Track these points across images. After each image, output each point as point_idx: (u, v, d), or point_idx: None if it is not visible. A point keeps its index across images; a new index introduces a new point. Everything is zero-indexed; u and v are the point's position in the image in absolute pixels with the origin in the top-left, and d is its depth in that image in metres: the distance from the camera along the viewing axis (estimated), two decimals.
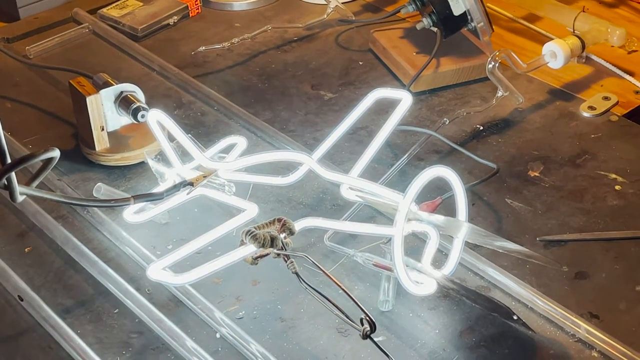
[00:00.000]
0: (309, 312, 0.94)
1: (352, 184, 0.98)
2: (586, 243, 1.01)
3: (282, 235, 0.91)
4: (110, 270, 0.98)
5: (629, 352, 0.86)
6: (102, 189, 1.09)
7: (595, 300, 0.94)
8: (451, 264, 0.91)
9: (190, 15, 1.49)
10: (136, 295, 0.95)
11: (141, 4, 1.49)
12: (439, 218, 0.89)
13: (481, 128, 1.20)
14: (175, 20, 1.47)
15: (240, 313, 0.94)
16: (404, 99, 1.07)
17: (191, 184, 1.00)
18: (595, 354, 0.88)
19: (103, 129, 1.14)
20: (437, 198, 0.99)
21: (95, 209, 1.07)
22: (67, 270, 1.00)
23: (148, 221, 1.05)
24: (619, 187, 1.09)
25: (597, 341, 0.88)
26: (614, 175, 1.11)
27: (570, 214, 1.05)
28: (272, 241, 0.90)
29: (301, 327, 0.93)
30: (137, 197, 0.96)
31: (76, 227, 1.06)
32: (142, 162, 1.14)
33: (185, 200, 1.05)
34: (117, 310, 0.95)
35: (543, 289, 0.94)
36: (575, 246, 1.01)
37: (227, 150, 1.13)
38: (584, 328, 0.89)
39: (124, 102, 1.13)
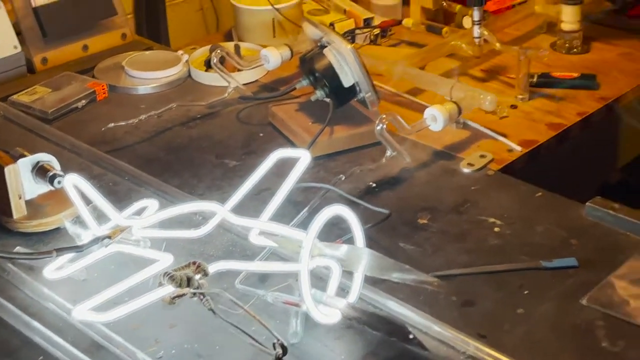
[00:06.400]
0: (225, 347, 1.02)
1: (262, 227, 1.08)
2: (472, 276, 1.12)
3: (198, 277, 1.00)
4: (34, 322, 1.03)
5: None
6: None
7: (482, 323, 1.05)
8: (354, 294, 1.01)
9: (98, 99, 1.58)
10: (59, 342, 1.01)
11: (50, 90, 1.58)
12: (341, 249, 0.99)
13: (374, 185, 1.31)
14: (84, 104, 1.55)
15: (160, 353, 1.01)
16: (303, 157, 1.18)
17: (109, 237, 1.08)
18: None
19: (21, 198, 1.20)
20: (337, 240, 1.09)
21: (16, 269, 1.12)
22: None
23: (67, 279, 1.11)
24: (497, 229, 1.21)
25: (485, 356, 0.99)
26: (492, 220, 1.23)
27: (457, 253, 1.17)
28: (189, 281, 0.98)
29: None
30: (59, 250, 1.04)
31: None
32: (59, 228, 1.21)
33: (102, 257, 1.12)
34: (41, 357, 1.01)
35: (436, 316, 1.04)
36: (462, 279, 1.12)
37: (140, 212, 1.21)
38: (473, 346, 1.00)
39: (41, 170, 1.20)
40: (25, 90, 1.58)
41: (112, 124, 1.45)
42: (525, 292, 1.09)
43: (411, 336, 0.98)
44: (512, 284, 1.11)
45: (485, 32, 1.60)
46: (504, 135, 1.44)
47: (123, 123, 1.47)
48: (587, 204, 1.23)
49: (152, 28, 2.00)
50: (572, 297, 1.08)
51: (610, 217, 1.21)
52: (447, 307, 1.07)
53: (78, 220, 1.16)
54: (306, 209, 1.23)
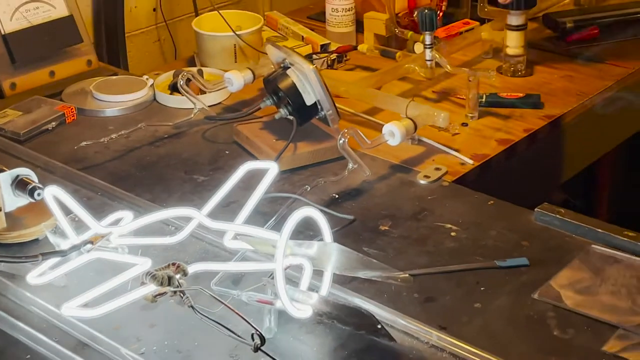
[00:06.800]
0: (203, 343, 1.08)
1: (237, 230, 1.15)
2: (432, 275, 1.20)
3: (178, 276, 1.06)
4: (20, 323, 1.09)
5: (471, 349, 1.05)
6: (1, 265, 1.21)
7: (443, 316, 1.12)
8: (324, 288, 1.08)
9: (67, 121, 1.64)
10: (46, 341, 1.06)
11: (20, 113, 1.63)
12: (312, 248, 1.07)
13: (337, 196, 1.39)
14: (54, 126, 1.61)
15: (142, 349, 1.07)
16: (271, 169, 1.26)
17: (91, 242, 1.14)
18: (446, 355, 1.06)
19: (1, 210, 1.25)
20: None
21: None
22: None
23: (48, 285, 1.16)
24: (454, 233, 1.30)
25: (446, 345, 1.06)
26: (449, 225, 1.32)
27: (417, 255, 1.25)
28: (169, 280, 1.05)
29: (196, 356, 1.06)
30: (45, 255, 1.10)
31: None
32: (37, 239, 1.26)
33: (82, 264, 1.18)
34: (28, 356, 1.06)
35: (400, 311, 1.12)
36: (424, 278, 1.20)
37: (116, 223, 1.26)
38: (435, 336, 1.07)
39: (21, 184, 1.25)
40: None
41: (85, 143, 1.51)
42: (482, 289, 1.18)
43: (379, 326, 1.05)
44: (469, 282, 1.19)
45: (437, 56, 1.70)
46: (457, 150, 1.53)
47: (93, 142, 1.53)
48: (535, 209, 1.32)
49: (112, 58, 2.06)
50: (524, 292, 1.17)
51: (557, 221, 1.30)
52: (410, 303, 1.15)
53: (57, 231, 1.22)
54: (274, 217, 1.30)
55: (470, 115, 1.65)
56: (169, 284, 1.04)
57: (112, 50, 2.05)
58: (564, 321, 1.11)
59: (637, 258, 1.22)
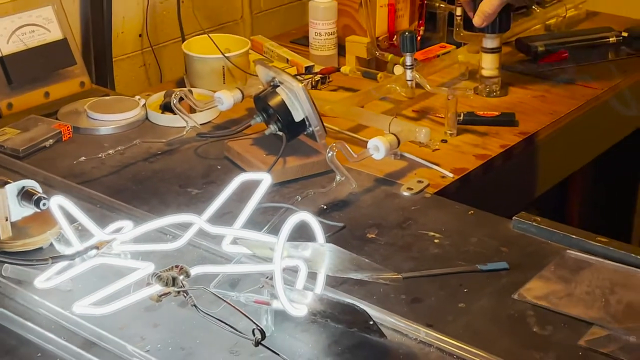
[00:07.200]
0: (204, 341, 1.14)
1: (236, 234, 1.21)
2: (417, 279, 1.28)
3: (181, 277, 1.13)
4: (30, 323, 1.15)
5: (457, 344, 1.12)
6: (9, 269, 1.26)
7: (429, 315, 1.20)
8: (319, 286, 1.15)
9: (64, 139, 1.70)
10: (55, 339, 1.12)
11: (18, 131, 1.69)
12: (307, 250, 1.14)
13: (325, 207, 1.47)
14: (51, 143, 1.67)
15: (147, 347, 1.13)
16: (265, 180, 1.33)
17: (97, 247, 1.20)
18: (433, 350, 1.13)
19: (7, 220, 1.32)
20: None
21: (5, 281, 1.23)
22: None
23: (54, 289, 1.22)
24: (437, 240, 1.37)
25: (434, 341, 1.13)
26: (432, 233, 1.39)
27: (403, 260, 1.32)
28: (174, 281, 1.11)
29: (199, 352, 1.13)
30: (54, 258, 1.16)
31: None
32: (41, 248, 1.32)
33: (86, 269, 1.24)
34: (39, 354, 1.11)
35: (389, 311, 1.19)
36: (410, 281, 1.27)
37: (117, 231, 1.33)
38: (423, 332, 1.15)
39: (26, 194, 1.31)
40: None
41: (83, 158, 1.58)
42: (465, 291, 1.25)
43: (371, 322, 1.12)
44: (453, 284, 1.27)
45: (417, 76, 1.79)
46: (437, 164, 1.62)
47: (90, 158, 1.59)
48: (513, 218, 1.40)
49: (100, 81, 2.12)
50: (505, 293, 1.24)
51: (533, 229, 1.38)
52: (397, 304, 1.22)
53: (62, 239, 1.28)
54: (267, 226, 1.37)
55: (449, 132, 1.73)
56: (174, 285, 1.11)
57: (100, 74, 2.12)
58: (542, 319, 1.19)
59: (609, 262, 1.31)
